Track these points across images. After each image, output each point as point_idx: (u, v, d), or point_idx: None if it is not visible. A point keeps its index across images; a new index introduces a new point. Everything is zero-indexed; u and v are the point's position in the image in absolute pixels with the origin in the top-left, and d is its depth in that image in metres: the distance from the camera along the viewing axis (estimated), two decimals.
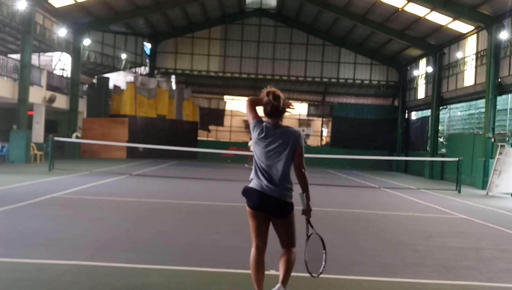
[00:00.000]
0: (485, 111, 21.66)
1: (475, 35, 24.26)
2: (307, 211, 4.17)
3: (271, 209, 4.04)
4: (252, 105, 4.24)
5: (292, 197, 4.07)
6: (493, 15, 20.93)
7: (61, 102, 26.94)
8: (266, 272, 5.26)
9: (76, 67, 27.34)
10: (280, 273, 4.18)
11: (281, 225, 4.12)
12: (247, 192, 4.09)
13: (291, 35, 36.05)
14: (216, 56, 36.22)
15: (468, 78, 24.98)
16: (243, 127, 39.10)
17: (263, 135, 4.05)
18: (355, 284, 5.16)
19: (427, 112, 30.60)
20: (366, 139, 35.10)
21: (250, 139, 31.44)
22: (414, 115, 35.18)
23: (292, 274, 5.31)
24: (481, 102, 24.54)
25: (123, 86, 32.14)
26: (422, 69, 31.50)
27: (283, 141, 4.02)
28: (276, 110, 4.05)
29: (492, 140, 19.98)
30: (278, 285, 4.14)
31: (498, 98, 21.73)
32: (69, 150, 26.27)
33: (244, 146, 33.54)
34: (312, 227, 4.30)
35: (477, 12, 21.31)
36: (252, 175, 4.11)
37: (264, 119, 4.19)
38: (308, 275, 5.32)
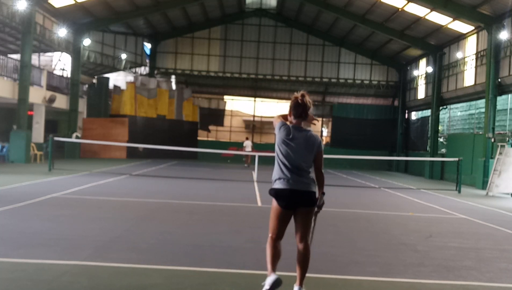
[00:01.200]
0: (485, 111, 21.66)
1: (475, 35, 24.26)
2: (321, 206, 4.47)
3: (300, 201, 4.31)
4: (280, 118, 4.60)
5: (316, 191, 4.37)
6: (493, 15, 20.93)
7: (61, 102, 26.94)
8: (266, 272, 5.27)
9: (76, 67, 27.34)
10: (297, 273, 4.41)
11: (304, 216, 4.35)
12: (277, 194, 4.33)
13: (291, 35, 36.06)
14: (216, 56, 36.22)
15: (468, 78, 24.98)
16: (243, 127, 39.09)
17: (291, 136, 4.34)
18: (355, 284, 5.16)
19: (427, 112, 30.60)
20: (366, 139, 35.10)
21: (246, 138, 31.61)
22: (414, 115, 35.17)
23: (292, 274, 5.32)
24: (481, 102, 24.53)
25: (123, 86, 32.15)
26: (422, 69, 31.50)
27: (309, 144, 4.35)
28: (306, 113, 4.39)
29: (492, 140, 19.98)
30: (297, 287, 4.39)
31: (498, 98, 21.72)
32: (69, 150, 26.27)
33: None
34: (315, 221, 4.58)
35: (477, 12, 21.30)
36: (277, 175, 4.37)
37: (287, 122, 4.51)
38: (308, 274, 5.32)
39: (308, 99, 4.40)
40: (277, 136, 4.43)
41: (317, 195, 4.40)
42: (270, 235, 4.41)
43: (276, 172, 4.40)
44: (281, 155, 4.35)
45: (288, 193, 4.29)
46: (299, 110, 4.39)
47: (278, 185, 4.34)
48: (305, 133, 4.38)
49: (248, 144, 29.44)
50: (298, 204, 4.34)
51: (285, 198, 4.31)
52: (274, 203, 4.39)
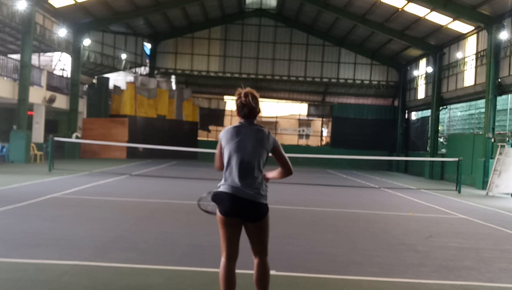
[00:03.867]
0: (485, 111, 21.66)
1: (475, 35, 24.26)
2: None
3: (245, 213, 3.72)
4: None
5: (267, 199, 3.78)
6: (493, 15, 20.93)
7: (61, 102, 26.94)
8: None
9: (76, 67, 27.35)
10: None
11: (254, 231, 3.78)
12: (217, 198, 3.78)
13: (291, 35, 36.06)
14: (216, 56, 36.23)
15: (468, 78, 24.98)
16: None
17: (235, 133, 3.79)
18: (355, 284, 5.15)
19: (427, 112, 30.60)
20: (366, 139, 35.12)
21: None
22: (414, 115, 35.18)
23: (292, 274, 5.33)
24: (481, 102, 24.54)
25: (123, 86, 32.15)
26: (422, 69, 31.50)
27: (258, 138, 3.78)
28: (253, 112, 3.84)
29: (492, 140, 19.98)
30: None
31: (498, 98, 21.73)
32: (69, 150, 26.28)
33: None
34: None
35: (477, 12, 21.31)
36: (222, 180, 3.83)
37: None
38: (308, 275, 5.33)
39: (251, 98, 3.80)
40: (223, 140, 3.84)
41: (267, 204, 3.78)
42: (222, 258, 3.83)
43: (223, 175, 3.82)
44: (227, 155, 3.78)
45: (229, 198, 3.69)
46: (245, 111, 3.83)
47: (220, 188, 3.77)
48: (254, 127, 3.82)
49: None
50: (242, 216, 3.73)
51: (225, 203, 3.72)
52: (217, 211, 3.81)
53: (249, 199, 3.69)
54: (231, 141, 3.79)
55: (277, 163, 3.93)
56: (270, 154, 3.89)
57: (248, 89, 3.87)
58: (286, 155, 3.96)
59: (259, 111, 3.88)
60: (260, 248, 3.82)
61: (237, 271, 5.05)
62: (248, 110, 3.83)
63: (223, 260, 3.81)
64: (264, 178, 3.85)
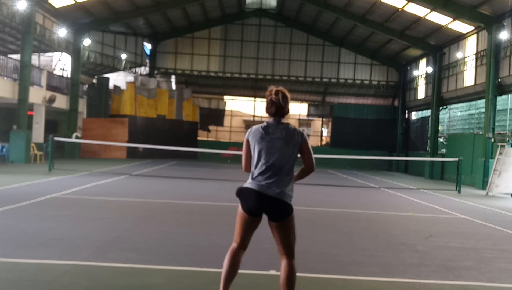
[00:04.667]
0: (485, 111, 21.66)
1: (475, 35, 24.26)
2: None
3: (268, 211, 3.75)
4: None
5: (292, 199, 3.81)
6: (493, 15, 20.93)
7: (61, 102, 26.94)
8: (265, 272, 5.27)
9: (76, 67, 27.35)
10: None
11: (278, 230, 3.79)
12: (241, 194, 3.83)
13: (291, 35, 36.07)
14: (216, 56, 36.23)
15: (468, 78, 24.98)
16: (243, 127, 39.08)
17: (265, 132, 3.83)
18: (355, 284, 5.15)
19: (427, 112, 30.61)
20: (366, 139, 35.12)
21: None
22: (414, 115, 35.19)
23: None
24: (481, 102, 24.54)
25: (123, 86, 32.15)
26: (422, 69, 31.51)
27: (288, 136, 3.83)
28: (281, 110, 3.88)
29: (492, 140, 19.98)
30: None
31: (498, 98, 21.73)
32: (69, 150, 26.27)
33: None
34: None
35: (477, 12, 21.31)
36: (249, 178, 3.88)
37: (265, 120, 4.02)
38: (308, 274, 5.33)
39: (281, 96, 3.86)
40: (251, 139, 3.90)
41: (292, 206, 3.79)
42: (233, 243, 3.91)
43: (250, 174, 3.88)
44: (256, 153, 3.82)
45: (254, 196, 3.73)
46: (273, 109, 3.87)
47: (246, 184, 3.82)
48: (282, 126, 3.86)
49: None
50: (266, 213, 3.77)
51: (249, 202, 3.77)
52: (239, 205, 3.88)
53: (275, 197, 3.71)
54: (260, 141, 3.83)
55: (301, 157, 3.95)
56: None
57: (280, 88, 3.93)
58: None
59: (287, 111, 3.93)
60: (285, 249, 3.80)
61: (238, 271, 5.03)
62: (276, 108, 3.86)
63: (234, 245, 3.88)
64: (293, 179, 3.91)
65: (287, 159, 3.79)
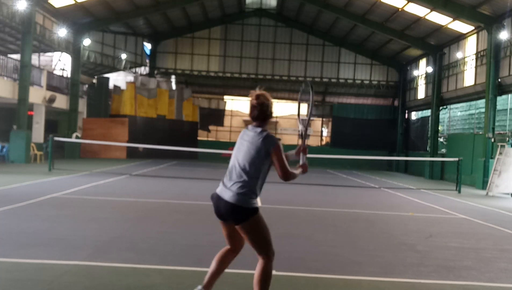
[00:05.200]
0: (485, 111, 21.66)
1: (475, 35, 24.26)
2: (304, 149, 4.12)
3: (223, 212, 3.73)
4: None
5: (249, 204, 3.68)
6: (493, 15, 20.93)
7: (61, 102, 26.94)
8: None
9: (76, 67, 27.35)
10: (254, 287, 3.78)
11: (241, 233, 3.75)
12: (212, 197, 3.87)
13: (291, 35, 36.07)
14: (216, 56, 36.24)
15: (468, 78, 24.98)
16: (243, 127, 38.97)
17: (240, 136, 3.90)
18: (355, 284, 5.15)
19: (427, 112, 30.61)
20: (366, 139, 35.11)
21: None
22: (414, 115, 35.19)
23: (292, 274, 5.33)
24: (481, 102, 24.54)
25: (123, 86, 32.15)
26: (422, 69, 31.51)
27: (253, 142, 3.75)
28: (263, 114, 3.84)
29: (492, 140, 19.98)
30: None
31: (498, 98, 21.73)
32: (69, 150, 26.27)
33: None
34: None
35: (477, 12, 21.31)
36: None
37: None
38: (308, 274, 5.33)
39: (262, 100, 3.82)
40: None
41: (247, 210, 3.67)
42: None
43: None
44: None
45: (216, 199, 3.78)
46: (255, 113, 3.83)
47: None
48: (257, 131, 3.79)
49: None
50: (222, 215, 3.75)
51: (214, 205, 3.82)
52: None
53: (227, 201, 3.69)
54: (236, 144, 3.92)
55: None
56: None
57: (261, 92, 3.89)
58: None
59: (270, 115, 3.88)
60: (255, 250, 3.80)
61: (237, 271, 5.04)
62: (258, 112, 3.83)
63: (227, 246, 3.97)
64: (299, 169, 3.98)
65: (249, 163, 3.70)
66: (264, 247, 3.78)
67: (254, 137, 3.77)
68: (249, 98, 3.88)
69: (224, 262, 3.92)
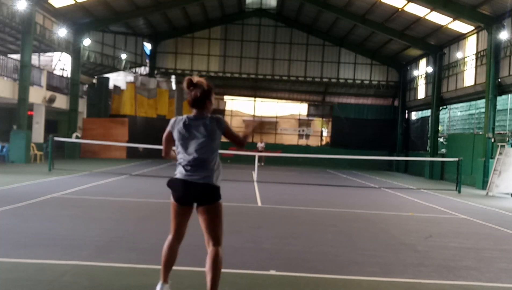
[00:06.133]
0: (485, 111, 21.66)
1: (475, 35, 24.27)
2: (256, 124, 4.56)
3: (197, 195, 3.91)
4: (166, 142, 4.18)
5: (218, 181, 3.97)
6: (493, 15, 20.93)
7: (61, 102, 26.94)
8: (265, 272, 5.27)
9: (76, 67, 27.35)
10: (207, 281, 3.88)
11: (206, 215, 3.92)
12: (171, 185, 3.97)
13: (291, 35, 36.07)
14: (216, 56, 36.23)
15: (468, 78, 24.98)
16: (243, 127, 39.07)
17: (185, 126, 3.95)
18: (355, 284, 5.16)
19: (427, 112, 30.61)
20: (366, 139, 35.11)
21: (261, 141, 31.99)
22: (414, 115, 35.19)
23: (292, 274, 5.33)
24: (481, 102, 24.55)
25: (123, 86, 32.15)
26: (422, 69, 31.51)
27: (208, 128, 3.92)
28: (197, 100, 3.96)
29: (492, 140, 19.98)
30: None
31: (498, 98, 21.73)
32: (69, 150, 26.27)
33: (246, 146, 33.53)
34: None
35: (477, 12, 21.31)
36: (177, 168, 4.02)
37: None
38: (308, 274, 5.33)
39: (194, 82, 3.97)
40: (174, 131, 4.03)
41: (219, 189, 3.96)
42: (169, 234, 4.11)
43: (177, 164, 4.03)
44: (180, 145, 3.96)
45: (182, 185, 3.89)
46: (191, 101, 3.99)
47: (175, 175, 3.97)
48: (202, 120, 3.95)
49: (260, 145, 31.54)
50: (194, 199, 3.93)
51: (178, 191, 3.93)
52: (171, 196, 4.03)
53: (201, 183, 3.86)
54: (182, 134, 3.95)
55: (230, 140, 4.12)
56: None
57: (194, 77, 4.05)
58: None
59: (209, 103, 4.00)
60: (211, 236, 3.96)
61: (237, 271, 5.04)
62: (192, 100, 3.98)
63: (169, 237, 4.09)
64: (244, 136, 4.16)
65: (209, 152, 3.92)
66: (221, 234, 4.00)
67: (205, 126, 3.93)
68: (184, 86, 4.04)
69: (175, 253, 4.10)
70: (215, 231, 3.95)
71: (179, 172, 3.95)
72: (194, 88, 3.96)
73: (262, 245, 6.26)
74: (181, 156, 3.96)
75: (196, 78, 4.01)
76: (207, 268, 3.90)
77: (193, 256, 5.90)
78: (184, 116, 4.02)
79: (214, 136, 3.94)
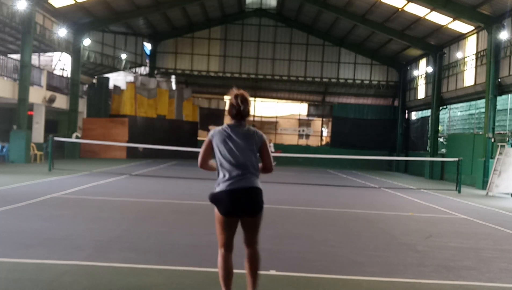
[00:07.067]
0: (485, 111, 21.66)
1: (475, 35, 24.26)
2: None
3: (244, 204, 3.93)
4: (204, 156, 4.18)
5: (260, 185, 4.03)
6: (493, 15, 20.93)
7: (61, 102, 26.94)
8: (265, 272, 5.28)
9: (76, 67, 27.35)
10: (248, 280, 4.06)
11: (250, 225, 4.03)
12: (216, 198, 3.97)
13: (291, 35, 36.07)
14: (216, 56, 36.23)
15: (468, 78, 24.98)
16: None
17: (226, 135, 4.01)
18: (355, 284, 5.16)
19: (427, 112, 30.60)
20: (366, 139, 35.12)
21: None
22: (414, 115, 35.19)
23: (292, 274, 5.33)
24: (481, 102, 24.54)
25: (123, 86, 32.15)
26: (422, 69, 31.51)
27: (248, 139, 4.02)
28: (240, 113, 4.06)
29: (492, 140, 19.98)
30: None
31: (498, 98, 21.72)
32: (69, 150, 26.27)
33: None
34: None
35: (477, 12, 21.31)
36: (218, 180, 3.99)
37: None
38: (308, 274, 5.33)
39: (240, 100, 4.03)
40: (214, 142, 4.04)
41: (262, 194, 4.02)
42: (219, 249, 4.08)
43: (220, 176, 4.00)
44: (221, 155, 3.97)
45: (229, 196, 3.90)
46: (233, 112, 4.06)
47: (217, 188, 3.96)
48: (243, 128, 4.04)
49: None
50: (242, 208, 3.93)
51: (225, 204, 3.92)
52: (215, 210, 4.02)
53: (250, 187, 3.93)
54: (224, 143, 4.00)
55: (260, 158, 4.13)
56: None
57: (240, 91, 4.11)
58: (274, 154, 4.10)
59: (247, 113, 4.11)
60: (253, 239, 4.08)
61: (237, 271, 5.05)
62: (236, 111, 4.05)
63: (222, 251, 4.06)
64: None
65: (250, 158, 3.99)
66: (259, 233, 4.11)
67: (246, 134, 4.04)
68: (229, 97, 4.11)
69: (231, 265, 4.08)
70: (256, 236, 4.09)
71: (222, 183, 3.95)
72: (244, 103, 4.07)
73: (262, 245, 6.24)
74: (225, 164, 3.97)
75: (246, 94, 4.12)
76: (249, 268, 4.06)
77: (193, 256, 5.90)
78: (224, 126, 4.08)
79: (254, 145, 4.04)
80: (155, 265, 5.36)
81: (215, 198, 3.98)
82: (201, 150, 4.15)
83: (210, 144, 4.07)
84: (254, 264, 4.06)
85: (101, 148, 27.78)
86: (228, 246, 4.04)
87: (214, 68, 36.19)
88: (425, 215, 10.96)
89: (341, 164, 32.36)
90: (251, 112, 30.69)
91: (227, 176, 3.93)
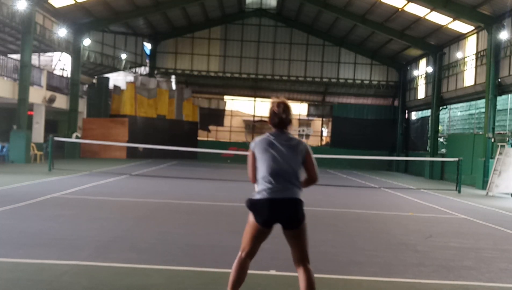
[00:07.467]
0: (485, 111, 21.66)
1: (475, 35, 24.26)
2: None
3: (283, 215, 3.83)
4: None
5: (302, 197, 3.93)
6: (493, 15, 20.93)
7: (61, 102, 26.94)
8: (265, 272, 5.28)
9: (76, 67, 27.34)
10: None
11: (294, 239, 3.90)
12: (254, 205, 3.84)
13: (291, 35, 36.07)
14: (216, 56, 36.23)
15: (468, 78, 24.98)
16: (243, 127, 39.10)
17: (268, 143, 3.90)
18: (355, 284, 5.16)
19: (427, 112, 30.61)
20: (366, 139, 35.12)
21: None
22: (414, 115, 35.18)
23: (292, 274, 5.32)
24: (481, 102, 24.53)
25: (123, 86, 32.15)
26: (422, 69, 31.50)
27: (292, 148, 3.89)
28: (283, 122, 3.96)
29: (492, 140, 19.98)
30: None
31: (498, 98, 21.72)
32: (69, 150, 26.27)
33: (244, 146, 33.57)
34: None
35: (477, 12, 21.31)
36: (258, 188, 3.88)
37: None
38: None
39: (282, 109, 3.93)
40: (256, 151, 3.92)
41: (303, 206, 3.92)
42: (240, 252, 3.95)
43: (258, 185, 3.88)
44: (263, 163, 3.84)
45: (268, 205, 3.78)
46: (275, 120, 3.95)
47: (257, 196, 3.84)
48: (286, 136, 3.93)
49: None
50: (281, 220, 3.84)
51: (263, 213, 3.80)
52: (250, 217, 3.89)
53: (289, 198, 3.83)
54: (266, 151, 3.87)
55: (304, 168, 3.98)
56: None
57: (282, 100, 4.00)
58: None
59: (290, 122, 4.00)
60: (302, 255, 3.89)
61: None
62: (278, 119, 3.94)
63: (242, 255, 3.94)
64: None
65: (294, 167, 3.86)
66: (308, 248, 3.93)
67: (290, 142, 3.90)
68: (270, 106, 3.99)
69: (246, 270, 3.96)
70: (305, 251, 3.90)
71: (263, 191, 3.81)
72: (286, 111, 3.96)
73: (262, 245, 6.24)
74: (266, 172, 3.82)
75: (287, 102, 4.01)
76: (304, 287, 3.80)
77: (193, 256, 5.90)
78: (266, 135, 3.96)
79: (298, 154, 3.90)
80: (155, 265, 5.36)
81: (253, 206, 3.85)
82: (248, 165, 4.02)
83: (253, 156, 3.95)
84: (307, 286, 3.79)
85: (101, 148, 27.78)
86: (251, 254, 3.94)
87: (214, 68, 36.19)
88: (425, 215, 10.96)
89: (341, 164, 32.35)
90: (251, 112, 30.53)
91: (268, 184, 3.79)
